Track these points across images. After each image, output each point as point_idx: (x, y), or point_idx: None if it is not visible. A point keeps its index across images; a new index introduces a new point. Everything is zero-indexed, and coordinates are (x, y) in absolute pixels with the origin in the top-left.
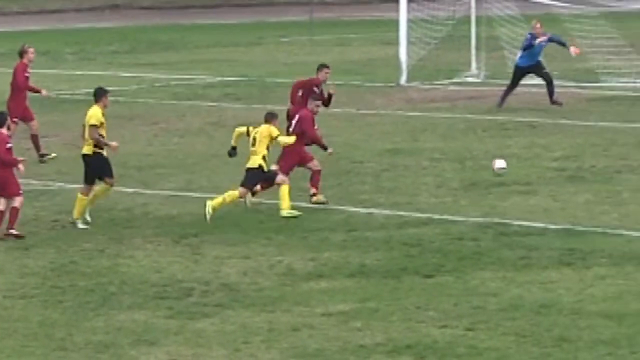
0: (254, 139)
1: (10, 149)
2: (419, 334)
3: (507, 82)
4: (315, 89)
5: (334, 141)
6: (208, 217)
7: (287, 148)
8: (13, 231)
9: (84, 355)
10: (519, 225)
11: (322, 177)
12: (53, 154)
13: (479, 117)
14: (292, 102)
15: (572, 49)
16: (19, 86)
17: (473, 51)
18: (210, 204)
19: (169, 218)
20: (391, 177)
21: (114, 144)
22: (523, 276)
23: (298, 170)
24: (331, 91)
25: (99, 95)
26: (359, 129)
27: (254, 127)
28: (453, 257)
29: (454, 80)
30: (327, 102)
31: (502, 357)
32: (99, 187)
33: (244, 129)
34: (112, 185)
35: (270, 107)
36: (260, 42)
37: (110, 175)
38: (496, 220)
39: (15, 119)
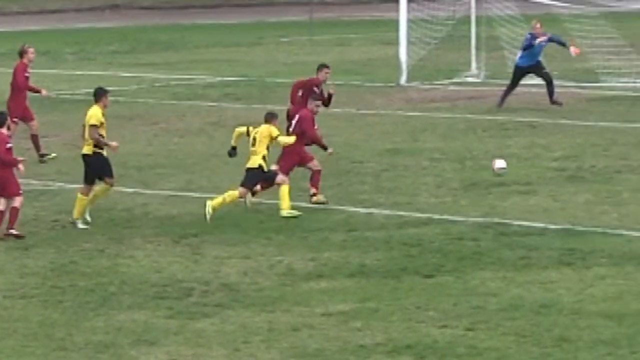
0: (254, 139)
1: (10, 149)
2: (419, 334)
3: (507, 82)
4: (315, 89)
5: (334, 141)
6: (208, 217)
7: (287, 148)
8: (13, 231)
9: (83, 355)
10: (519, 225)
11: (322, 177)
12: (53, 154)
13: (479, 117)
14: (292, 102)
15: (572, 49)
16: (19, 86)
17: (473, 51)
18: (210, 204)
19: (169, 218)
20: (391, 177)
21: (114, 144)
22: (523, 276)
23: (298, 170)
24: (331, 91)
25: (99, 95)
26: (359, 129)
27: (254, 127)
28: (453, 257)
29: (454, 80)
30: (327, 102)
31: (502, 357)
32: (99, 187)
33: (244, 129)
34: (112, 185)
35: (270, 107)
36: (260, 42)
37: (111, 175)
38: (496, 220)
39: (15, 119)
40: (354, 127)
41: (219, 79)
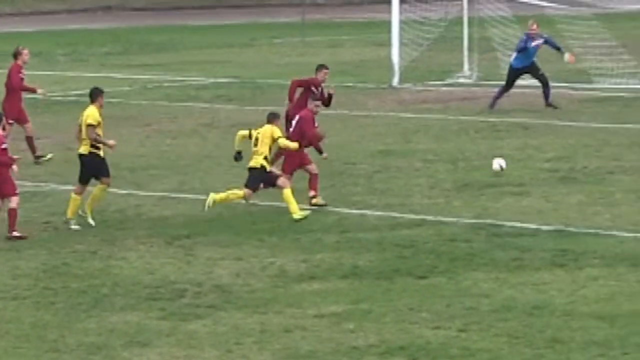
0: (257, 139)
1: (5, 149)
2: (411, 335)
3: (500, 83)
4: (314, 89)
5: (327, 142)
6: (206, 207)
7: (287, 150)
8: (16, 233)
9: (76, 356)
10: (512, 227)
11: None
12: (49, 155)
13: (471, 119)
14: (290, 100)
15: (567, 56)
16: (14, 87)
17: (465, 52)
18: (212, 197)
19: (161, 219)
20: (384, 179)
21: (111, 142)
22: (515, 277)
23: (297, 172)
24: (331, 91)
25: (95, 95)
26: (352, 130)
27: (256, 129)
28: (446, 258)
29: (447, 81)
30: (327, 102)
31: (494, 358)
32: (96, 188)
33: (246, 132)
34: (108, 185)
35: (262, 109)
36: (252, 43)
37: (107, 175)
38: (489, 221)
39: (10, 121)
40: (347, 129)
41: (212, 80)
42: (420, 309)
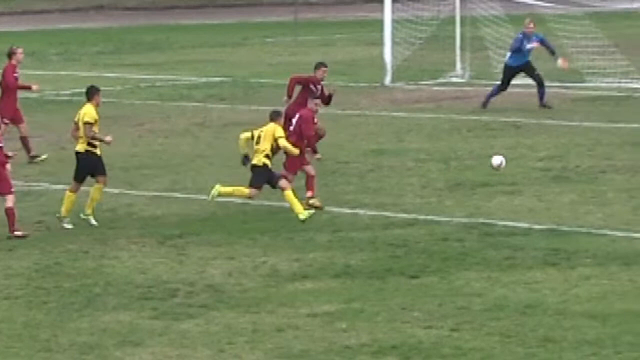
0: (259, 137)
1: (1, 147)
2: (404, 335)
3: (492, 82)
4: (313, 87)
5: (319, 142)
6: (210, 197)
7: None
8: (18, 232)
9: (68, 356)
10: (504, 226)
11: None
12: (44, 156)
13: (463, 118)
14: (289, 96)
15: (560, 61)
16: (9, 87)
17: (458, 51)
18: (218, 188)
19: (154, 219)
20: (376, 178)
21: (108, 138)
22: (508, 276)
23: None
24: (331, 91)
25: (92, 93)
26: (344, 129)
27: (255, 129)
28: (438, 257)
29: (439, 80)
30: (327, 101)
31: (486, 358)
32: (93, 189)
33: (248, 133)
34: (104, 184)
35: (254, 108)
36: (244, 42)
37: (103, 174)
38: (481, 220)
39: (6, 121)
40: (339, 128)
41: (204, 79)
42: (412, 308)
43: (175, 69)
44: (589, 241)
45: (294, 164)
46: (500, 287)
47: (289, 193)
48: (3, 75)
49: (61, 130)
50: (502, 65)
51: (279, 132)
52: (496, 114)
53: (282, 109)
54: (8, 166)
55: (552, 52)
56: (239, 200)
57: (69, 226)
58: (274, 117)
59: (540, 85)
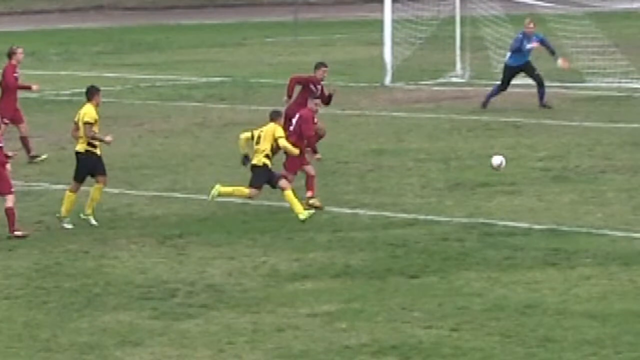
0: (259, 137)
1: (1, 147)
2: (404, 335)
3: (492, 82)
4: (313, 87)
5: (319, 142)
6: (210, 197)
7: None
8: (18, 232)
9: (68, 356)
10: (504, 226)
11: None
12: (44, 156)
13: (463, 118)
14: (289, 96)
15: (560, 61)
16: (9, 87)
17: (458, 51)
18: (218, 188)
19: (153, 219)
20: (376, 178)
21: (108, 138)
22: (508, 276)
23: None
24: (332, 91)
25: (92, 93)
26: (344, 129)
27: (255, 129)
28: (438, 257)
29: (439, 80)
30: (327, 101)
31: (486, 358)
32: (93, 189)
33: (248, 134)
34: (104, 184)
35: (254, 108)
36: (244, 42)
37: (103, 173)
38: (481, 220)
39: (6, 121)
40: (339, 128)
41: (204, 79)
42: (412, 308)
43: (175, 69)
44: (589, 241)
45: (294, 164)
46: (500, 287)
47: (289, 193)
48: (3, 75)
49: (61, 130)
50: (502, 65)
51: (279, 132)
52: (496, 114)
53: (282, 109)
54: (8, 166)
55: (552, 52)
56: (239, 200)
57: (69, 226)
58: (274, 117)
59: (540, 85)
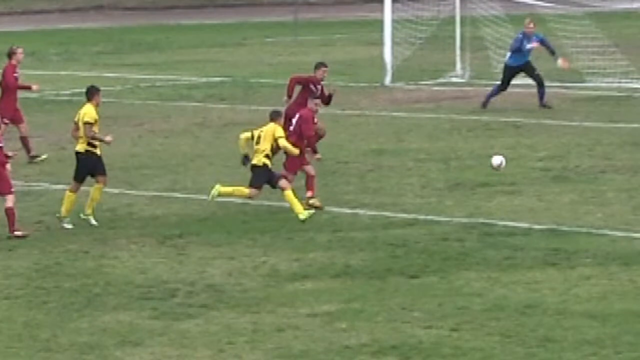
0: (259, 137)
1: (1, 147)
2: (404, 335)
3: (492, 82)
4: (313, 87)
5: (319, 142)
6: (210, 197)
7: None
8: (18, 232)
9: (68, 356)
10: (504, 226)
11: None
12: (44, 156)
13: (463, 118)
14: (289, 96)
15: (560, 61)
16: (9, 87)
17: (458, 51)
18: (218, 188)
19: (153, 219)
20: (376, 178)
21: (108, 138)
22: (508, 276)
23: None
24: (331, 91)
25: (92, 93)
26: (344, 129)
27: (255, 129)
28: (438, 257)
29: (439, 80)
30: (327, 101)
31: (486, 358)
32: (93, 189)
33: (248, 134)
34: (104, 184)
35: (254, 108)
36: (244, 42)
37: (103, 173)
38: (481, 220)
39: (6, 121)
40: (339, 128)
41: (204, 79)
42: (412, 308)
43: (175, 68)
44: (589, 241)
45: (294, 164)
46: (500, 287)
47: (289, 193)
48: (3, 75)
49: (61, 130)
50: (502, 65)
51: (279, 132)
52: (496, 114)
53: (282, 109)
54: (8, 166)
55: (552, 52)
56: (239, 200)
57: (69, 226)
58: (274, 117)
59: (540, 85)
